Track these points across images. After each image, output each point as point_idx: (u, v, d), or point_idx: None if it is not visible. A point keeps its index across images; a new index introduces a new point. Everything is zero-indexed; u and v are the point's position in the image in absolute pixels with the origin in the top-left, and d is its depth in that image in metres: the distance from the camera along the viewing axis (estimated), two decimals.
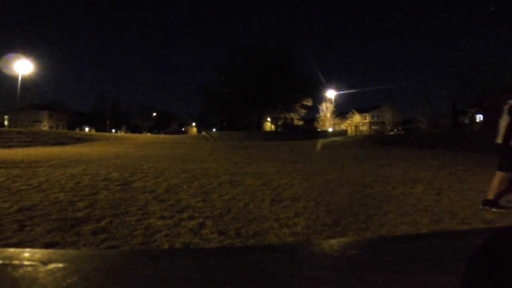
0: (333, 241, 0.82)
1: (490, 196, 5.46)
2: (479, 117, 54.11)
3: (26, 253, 0.69)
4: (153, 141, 33.70)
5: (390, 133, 65.71)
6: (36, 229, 4.10)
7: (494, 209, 5.29)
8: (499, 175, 5.53)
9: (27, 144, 22.66)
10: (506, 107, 5.70)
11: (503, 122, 5.60)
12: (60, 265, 0.61)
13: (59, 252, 0.74)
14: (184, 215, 4.85)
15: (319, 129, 65.07)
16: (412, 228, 4.39)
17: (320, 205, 5.51)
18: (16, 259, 0.65)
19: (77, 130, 74.35)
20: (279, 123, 67.97)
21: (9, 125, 64.60)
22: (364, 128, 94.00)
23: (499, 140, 5.62)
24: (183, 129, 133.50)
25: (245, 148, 22.77)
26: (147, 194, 6.38)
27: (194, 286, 0.56)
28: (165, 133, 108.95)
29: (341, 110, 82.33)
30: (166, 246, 3.66)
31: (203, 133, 62.70)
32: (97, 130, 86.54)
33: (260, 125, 66.12)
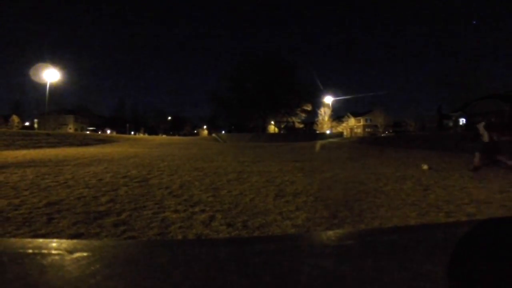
0: (330, 232, 0.81)
1: (474, 164, 9.41)
2: (462, 121, 53.87)
3: (54, 243, 0.70)
4: (168, 142, 33.79)
5: (382, 135, 65.32)
6: (62, 222, 4.12)
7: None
8: (477, 155, 9.54)
9: (54, 145, 22.80)
10: (481, 124, 9.83)
11: (485, 134, 9.55)
12: (85, 254, 0.62)
13: (83, 242, 0.75)
14: (196, 209, 4.85)
15: (318, 132, 64.98)
16: (402, 220, 4.37)
17: (319, 200, 5.50)
18: (45, 249, 0.65)
19: (100, 132, 74.69)
20: (282, 126, 68.10)
21: (38, 128, 65.12)
22: (359, 130, 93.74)
23: (486, 139, 9.49)
24: (195, 131, 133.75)
25: (251, 149, 22.79)
26: (163, 190, 6.39)
27: (205, 272, 0.56)
28: (179, 135, 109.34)
29: (338, 114, 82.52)
30: (180, 237, 3.66)
31: (213, 135, 62.89)
32: (118, 132, 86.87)
33: (264, 128, 66.19)
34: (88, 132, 45.18)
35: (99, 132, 55.68)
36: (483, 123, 9.85)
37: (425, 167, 9.82)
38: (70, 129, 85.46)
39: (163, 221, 4.24)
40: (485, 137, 9.61)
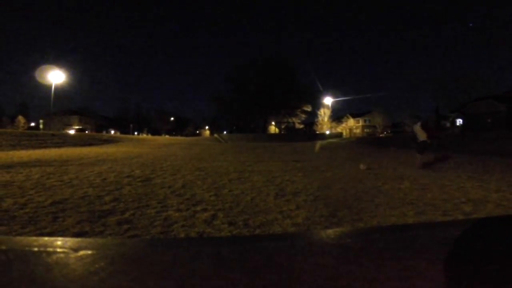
0: (330, 231, 0.81)
1: (418, 166, 9.91)
2: (459, 121, 53.76)
3: (59, 241, 0.70)
4: (171, 143, 33.79)
5: (381, 135, 65.24)
6: (67, 220, 4.12)
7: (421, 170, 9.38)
8: (419, 156, 10.14)
9: (59, 145, 22.81)
10: (419, 124, 10.24)
11: (420, 132, 10.04)
12: (89, 252, 0.62)
13: (88, 240, 0.75)
14: (198, 208, 4.86)
15: (317, 132, 64.89)
16: (399, 219, 4.37)
17: (318, 199, 5.50)
18: (50, 247, 0.66)
19: (104, 132, 74.70)
20: (282, 126, 68.13)
21: (43, 128, 65.11)
22: (357, 131, 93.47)
23: (420, 139, 10.07)
24: (197, 132, 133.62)
25: (252, 149, 22.78)
26: (166, 189, 6.39)
27: (207, 270, 0.56)
28: (182, 135, 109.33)
29: (337, 115, 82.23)
30: (182, 235, 3.66)
31: (215, 135, 62.85)
32: (122, 132, 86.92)
33: (265, 128, 66.21)
34: (73, 132, 41.63)
35: (86, 132, 53.29)
36: (419, 123, 10.31)
37: (363, 167, 9.95)
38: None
39: (166, 219, 4.24)
40: (420, 137, 10.13)
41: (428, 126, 10.22)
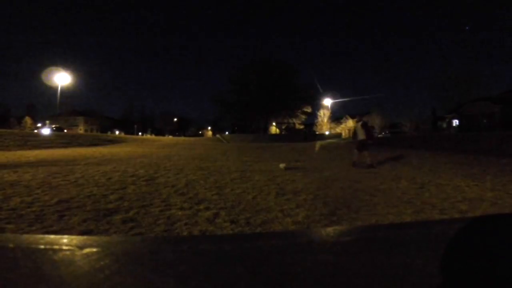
0: (329, 229, 0.81)
1: (355, 159, 10.51)
2: (455, 122, 53.66)
3: (65, 239, 0.70)
4: (174, 143, 33.78)
5: (379, 135, 65.26)
6: (73, 219, 4.12)
7: (356, 167, 9.96)
8: (356, 152, 10.59)
9: (65, 145, 22.81)
10: (359, 124, 10.73)
11: (360, 131, 10.56)
12: (94, 249, 0.62)
13: (93, 238, 0.75)
14: (201, 207, 4.86)
15: (317, 132, 64.98)
16: (397, 217, 4.36)
17: (318, 198, 5.50)
18: (56, 244, 0.66)
19: (109, 133, 74.80)
20: (283, 127, 68.17)
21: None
22: None
23: (359, 138, 10.57)
24: (200, 132, 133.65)
25: (253, 149, 22.77)
26: (169, 188, 6.39)
27: (209, 267, 0.56)
28: (185, 135, 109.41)
29: (336, 116, 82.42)
30: (185, 233, 3.66)
31: (217, 135, 62.92)
32: (126, 133, 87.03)
33: (266, 129, 66.10)
34: (48, 133, 33.46)
35: (65, 131, 48.70)
36: (360, 123, 10.82)
37: (282, 166, 10.00)
38: (81, 130, 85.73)
39: (169, 218, 4.24)
40: (359, 135, 10.67)
41: (367, 127, 10.70)
